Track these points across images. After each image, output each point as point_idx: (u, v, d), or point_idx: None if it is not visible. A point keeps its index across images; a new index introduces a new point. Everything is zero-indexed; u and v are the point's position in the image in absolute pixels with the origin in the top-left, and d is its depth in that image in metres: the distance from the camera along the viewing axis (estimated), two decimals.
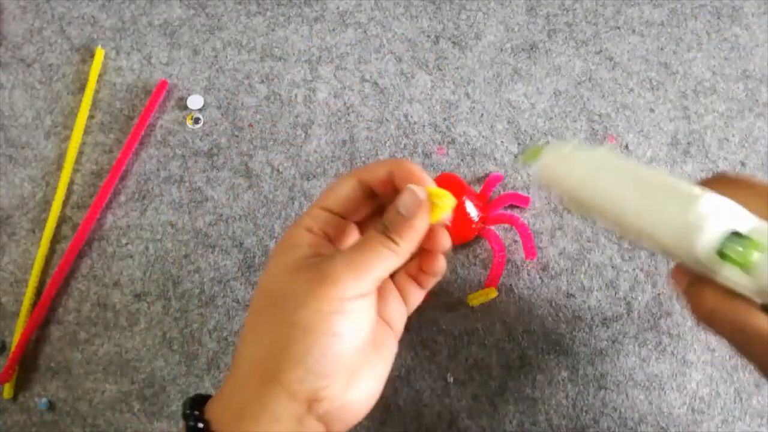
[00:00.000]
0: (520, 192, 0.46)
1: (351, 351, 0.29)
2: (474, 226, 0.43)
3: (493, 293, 0.43)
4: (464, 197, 0.43)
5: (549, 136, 0.48)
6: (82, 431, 0.42)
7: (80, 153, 0.48)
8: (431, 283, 0.34)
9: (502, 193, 0.46)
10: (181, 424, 0.30)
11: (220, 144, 0.48)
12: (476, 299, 0.43)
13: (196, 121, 0.48)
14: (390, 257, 0.30)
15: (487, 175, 0.46)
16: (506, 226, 0.45)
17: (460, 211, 0.43)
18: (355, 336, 0.29)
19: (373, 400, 0.31)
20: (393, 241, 0.30)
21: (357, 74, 0.50)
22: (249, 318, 0.31)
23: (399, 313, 0.34)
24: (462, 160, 0.47)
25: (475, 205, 0.43)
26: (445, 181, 0.44)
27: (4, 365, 0.42)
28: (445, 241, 0.33)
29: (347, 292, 0.29)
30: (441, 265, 0.33)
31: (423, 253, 0.33)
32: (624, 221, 0.31)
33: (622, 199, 0.30)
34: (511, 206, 0.46)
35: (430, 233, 0.32)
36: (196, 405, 0.30)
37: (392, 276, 0.33)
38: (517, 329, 0.43)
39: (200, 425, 0.28)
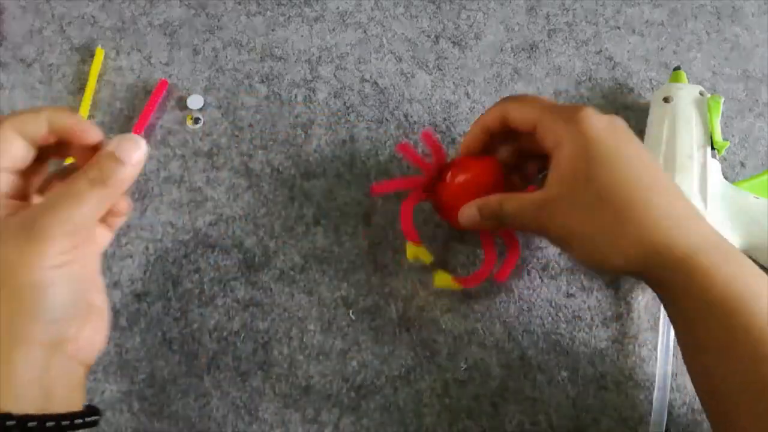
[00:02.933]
0: None
1: (80, 294, 0.31)
2: None
3: (456, 287, 0.42)
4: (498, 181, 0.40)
5: None
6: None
7: None
8: (119, 223, 0.36)
9: None
10: None
11: (220, 144, 0.48)
12: (441, 281, 0.42)
13: (196, 121, 0.48)
14: (103, 203, 0.31)
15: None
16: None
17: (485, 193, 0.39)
18: (80, 280, 0.31)
19: (104, 332, 0.33)
20: (108, 186, 0.31)
21: (357, 74, 0.50)
22: None
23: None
24: None
25: None
26: (487, 165, 0.40)
27: None
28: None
29: (63, 247, 0.29)
30: (128, 204, 0.36)
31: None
32: None
33: None
34: None
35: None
36: None
37: None
38: (517, 329, 0.43)
39: None
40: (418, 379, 0.42)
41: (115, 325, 0.44)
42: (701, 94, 0.45)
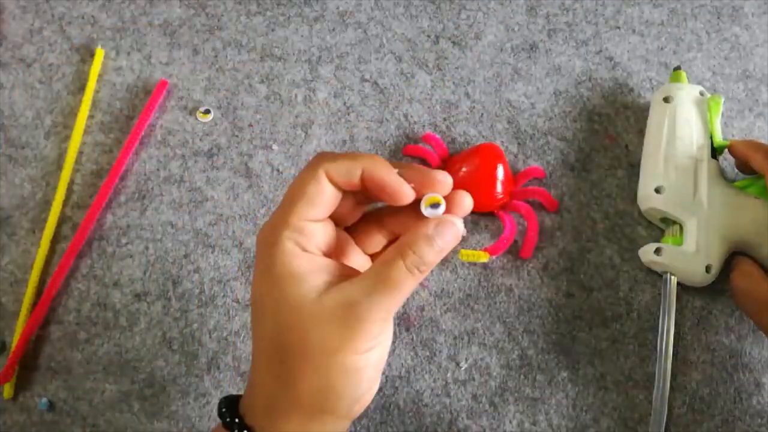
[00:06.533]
0: (552, 194, 0.46)
1: (384, 364, 0.32)
2: (497, 195, 0.44)
3: (484, 257, 0.41)
4: (499, 164, 0.45)
5: (549, 136, 0.48)
6: (82, 431, 0.42)
7: (80, 153, 0.48)
8: None
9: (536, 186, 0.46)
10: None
11: (220, 144, 0.48)
12: (467, 256, 0.42)
13: (207, 111, 0.48)
14: (412, 290, 0.30)
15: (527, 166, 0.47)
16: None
17: (489, 176, 0.44)
18: (386, 353, 0.31)
19: (372, 395, 0.34)
20: (423, 273, 0.30)
21: (357, 74, 0.50)
22: (267, 360, 0.31)
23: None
24: None
25: (504, 180, 0.45)
26: (486, 149, 0.45)
27: (4, 365, 0.42)
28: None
29: (379, 331, 0.30)
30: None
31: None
32: None
33: None
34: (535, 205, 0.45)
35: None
36: (233, 412, 0.31)
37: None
38: (517, 329, 0.43)
39: None
40: (418, 379, 0.42)
41: (115, 325, 0.44)
42: (701, 94, 0.45)
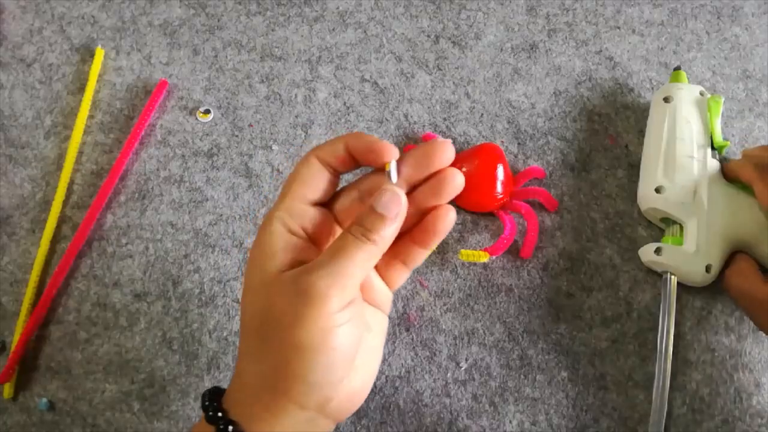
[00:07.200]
0: (552, 194, 0.46)
1: (351, 355, 0.30)
2: (497, 195, 0.44)
3: (484, 257, 0.43)
4: (499, 164, 0.45)
5: (549, 136, 0.48)
6: (82, 431, 0.42)
7: (80, 153, 0.48)
8: (417, 262, 0.35)
9: (536, 187, 0.46)
10: (200, 417, 0.31)
11: (220, 144, 0.48)
12: (467, 256, 0.43)
13: (207, 111, 0.48)
14: (369, 259, 0.30)
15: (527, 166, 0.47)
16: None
17: (489, 176, 0.44)
18: (351, 342, 0.30)
19: (373, 378, 0.33)
20: (372, 241, 0.30)
21: (357, 74, 0.50)
22: (243, 336, 0.31)
23: (384, 295, 0.35)
24: None
25: (504, 180, 0.45)
26: (486, 149, 0.45)
27: (4, 365, 0.42)
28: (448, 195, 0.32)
29: (334, 306, 0.29)
30: (448, 221, 0.33)
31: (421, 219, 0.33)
32: None
33: None
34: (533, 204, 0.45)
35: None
36: (215, 399, 0.31)
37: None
38: (517, 329, 0.43)
39: (223, 420, 0.30)
40: (418, 379, 0.42)
41: (115, 325, 0.44)
42: (701, 94, 0.45)
